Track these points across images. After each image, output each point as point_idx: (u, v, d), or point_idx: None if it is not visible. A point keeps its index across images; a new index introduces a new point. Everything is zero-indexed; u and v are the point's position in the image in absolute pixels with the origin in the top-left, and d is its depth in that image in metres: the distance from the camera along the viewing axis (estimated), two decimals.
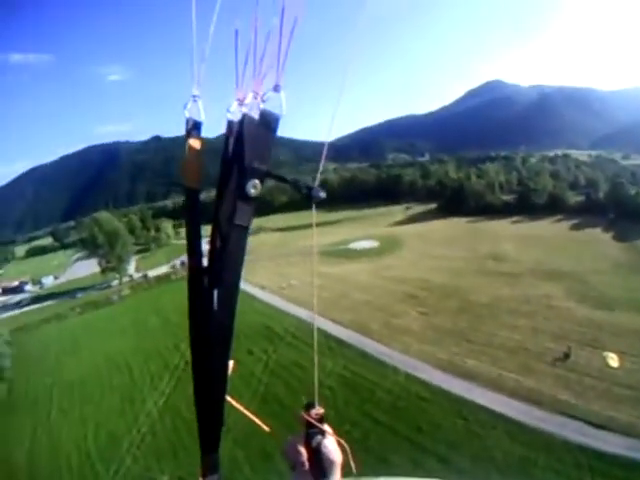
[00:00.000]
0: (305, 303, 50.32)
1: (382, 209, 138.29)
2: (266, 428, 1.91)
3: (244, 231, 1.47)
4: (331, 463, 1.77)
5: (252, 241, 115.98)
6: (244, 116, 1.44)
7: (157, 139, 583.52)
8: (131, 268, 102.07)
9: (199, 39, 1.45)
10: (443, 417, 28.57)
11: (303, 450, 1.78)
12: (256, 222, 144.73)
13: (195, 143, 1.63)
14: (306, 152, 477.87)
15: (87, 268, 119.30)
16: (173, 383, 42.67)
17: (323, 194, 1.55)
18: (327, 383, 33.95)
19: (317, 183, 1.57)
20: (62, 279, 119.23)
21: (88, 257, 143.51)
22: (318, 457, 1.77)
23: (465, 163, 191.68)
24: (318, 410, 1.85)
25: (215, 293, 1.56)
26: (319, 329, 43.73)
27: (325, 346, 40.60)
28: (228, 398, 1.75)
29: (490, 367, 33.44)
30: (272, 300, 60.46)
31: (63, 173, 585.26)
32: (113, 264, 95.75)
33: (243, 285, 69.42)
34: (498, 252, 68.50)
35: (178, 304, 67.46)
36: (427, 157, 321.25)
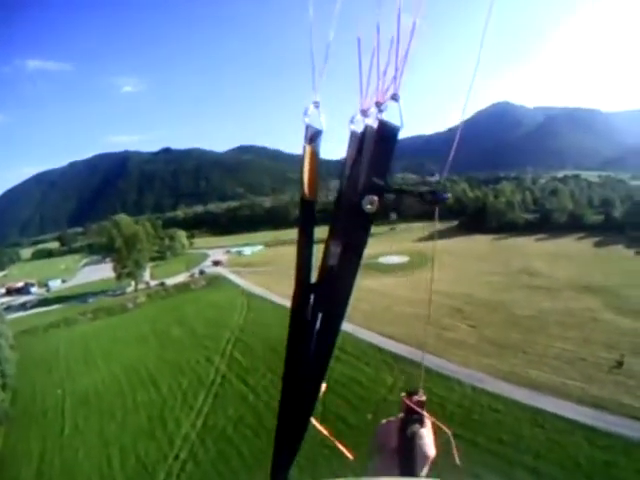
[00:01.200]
0: (347, 316, 45.68)
1: (402, 225, 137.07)
2: (350, 455, 1.79)
3: (358, 249, 1.40)
4: (424, 457, 1.63)
5: (272, 253, 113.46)
6: (366, 128, 1.35)
7: (167, 151, 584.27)
8: (146, 275, 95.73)
9: (316, 44, 1.32)
10: (519, 427, 27.74)
11: (395, 436, 1.68)
12: (273, 235, 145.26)
13: (314, 152, 1.47)
14: (320, 170, 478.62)
15: (97, 273, 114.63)
16: (210, 401, 37.26)
17: (448, 195, 1.53)
18: (391, 399, 31.88)
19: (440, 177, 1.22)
20: (70, 283, 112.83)
21: (97, 262, 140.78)
22: (410, 447, 1.64)
23: (476, 183, 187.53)
24: (420, 397, 1.75)
25: (320, 310, 1.51)
26: (368, 342, 42.98)
27: (381, 361, 39.19)
28: (313, 420, 1.66)
29: (552, 376, 33.21)
30: None
31: (71, 179, 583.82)
32: (129, 269, 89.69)
33: (277, 297, 65.34)
34: (530, 268, 68.49)
35: (203, 315, 62.58)
36: (437, 177, 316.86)
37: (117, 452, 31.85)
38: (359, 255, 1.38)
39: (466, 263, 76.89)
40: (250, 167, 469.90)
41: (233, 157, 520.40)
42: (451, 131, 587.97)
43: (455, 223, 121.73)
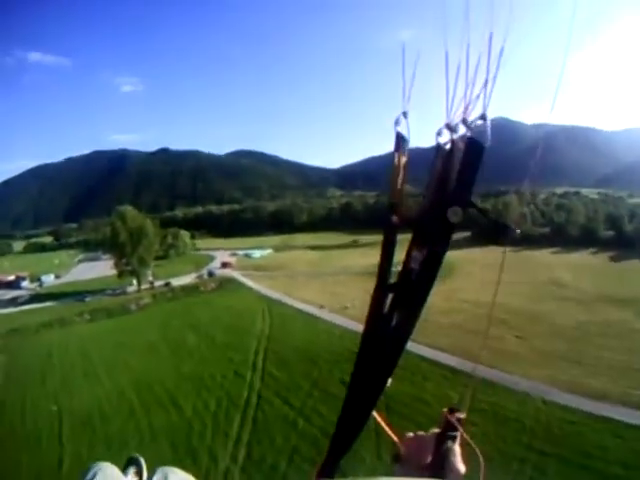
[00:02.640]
0: None
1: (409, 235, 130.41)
2: (402, 449, 1.78)
3: (440, 256, 1.47)
4: (457, 474, 1.55)
5: (283, 257, 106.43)
6: (453, 143, 1.43)
7: (164, 151, 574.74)
8: (150, 274, 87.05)
9: (409, 56, 1.47)
10: (601, 438, 26.07)
11: (429, 451, 1.65)
12: (280, 239, 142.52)
13: (403, 159, 1.60)
14: (313, 177, 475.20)
15: (93, 270, 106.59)
16: (249, 426, 30.02)
17: (518, 232, 1.71)
18: (476, 420, 27.20)
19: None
20: (64, 279, 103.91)
21: (93, 259, 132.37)
22: (443, 464, 1.59)
23: (477, 196, 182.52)
24: (460, 414, 1.70)
25: (398, 310, 1.60)
26: (417, 355, 37.63)
27: (439, 375, 35.57)
28: (374, 414, 1.72)
29: (613, 386, 32.07)
30: (338, 321, 51.26)
31: (68, 175, 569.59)
32: (133, 267, 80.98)
33: (300, 304, 60.41)
34: (556, 279, 67.56)
35: (221, 321, 54.76)
36: None
37: None
38: (439, 262, 1.44)
39: (489, 273, 72.39)
40: (248, 171, 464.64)
41: (232, 161, 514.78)
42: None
43: (467, 234, 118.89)
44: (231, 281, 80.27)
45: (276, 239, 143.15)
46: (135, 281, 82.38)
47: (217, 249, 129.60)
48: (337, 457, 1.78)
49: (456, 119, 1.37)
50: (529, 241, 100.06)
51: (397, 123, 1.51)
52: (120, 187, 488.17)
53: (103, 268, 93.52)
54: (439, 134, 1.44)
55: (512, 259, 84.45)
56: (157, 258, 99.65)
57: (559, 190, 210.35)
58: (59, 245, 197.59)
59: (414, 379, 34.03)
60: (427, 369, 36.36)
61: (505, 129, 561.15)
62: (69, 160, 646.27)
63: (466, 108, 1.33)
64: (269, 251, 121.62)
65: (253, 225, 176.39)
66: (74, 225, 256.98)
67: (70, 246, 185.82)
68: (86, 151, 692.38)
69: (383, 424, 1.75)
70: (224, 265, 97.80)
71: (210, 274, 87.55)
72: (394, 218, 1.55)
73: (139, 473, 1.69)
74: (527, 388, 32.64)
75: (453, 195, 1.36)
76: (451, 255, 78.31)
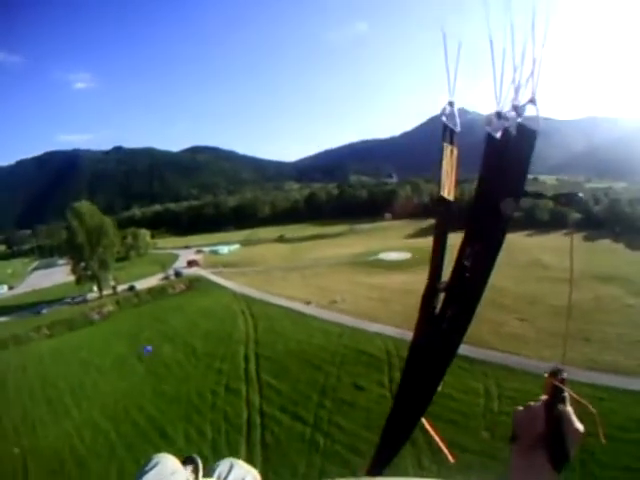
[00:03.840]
0: (376, 318, 44.65)
1: (385, 223, 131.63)
2: (451, 459, 1.70)
3: (494, 250, 1.44)
4: (576, 433, 1.45)
5: (252, 251, 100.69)
6: (504, 131, 1.36)
7: (118, 150, 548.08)
8: (111, 278, 77.94)
9: (451, 43, 1.39)
10: (632, 411, 25.52)
11: (541, 419, 1.51)
12: (244, 234, 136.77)
13: (454, 152, 1.52)
14: (270, 171, 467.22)
15: (50, 278, 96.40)
16: (259, 453, 25.03)
17: (581, 194, 1.53)
18: (499, 408, 26.98)
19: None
20: (18, 290, 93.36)
21: (49, 266, 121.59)
22: (560, 427, 1.47)
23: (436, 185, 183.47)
24: (564, 375, 1.60)
25: (451, 308, 1.53)
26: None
27: (456, 367, 29.56)
28: (423, 420, 1.67)
29: (626, 359, 31.84)
30: (330, 317, 47.25)
31: (19, 178, 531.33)
32: (92, 271, 71.99)
33: (282, 300, 55.61)
34: (539, 261, 67.71)
35: (198, 327, 48.77)
36: (395, 178, 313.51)
37: None
38: (494, 257, 1.40)
39: None
40: (204, 168, 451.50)
41: (187, 157, 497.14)
42: (406, 135, 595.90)
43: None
44: (201, 280, 73.53)
45: (240, 234, 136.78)
46: (96, 287, 73.48)
47: (180, 247, 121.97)
48: (385, 460, 1.68)
49: (505, 106, 1.31)
50: None
51: (444, 113, 1.43)
52: (74, 189, 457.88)
53: (60, 275, 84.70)
54: (488, 123, 1.35)
55: None
56: (118, 260, 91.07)
57: None
58: (12, 253, 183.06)
59: None
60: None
61: (463, 119, 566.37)
62: (20, 163, 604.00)
63: (515, 94, 1.29)
64: (237, 246, 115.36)
65: (214, 221, 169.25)
66: (27, 231, 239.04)
67: (24, 254, 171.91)
68: (37, 152, 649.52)
69: (432, 431, 1.63)
70: (190, 263, 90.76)
71: (177, 274, 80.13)
72: (444, 212, 1.45)
73: (195, 471, 1.66)
74: (547, 370, 30.00)
75: (506, 186, 1.31)
76: (425, 242, 76.73)
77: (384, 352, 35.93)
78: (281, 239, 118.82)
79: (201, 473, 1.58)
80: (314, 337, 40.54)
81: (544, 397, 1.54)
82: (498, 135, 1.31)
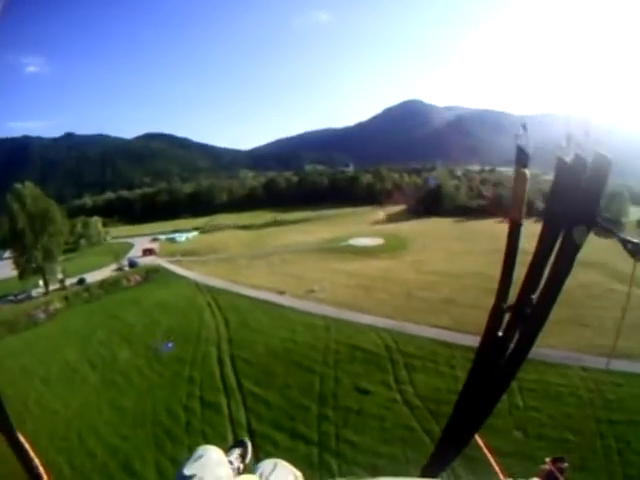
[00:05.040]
0: (360, 307, 40.61)
1: (348, 210, 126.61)
2: (502, 478, 1.73)
3: (563, 276, 1.47)
4: None
5: (211, 239, 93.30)
6: (576, 157, 1.36)
7: (69, 136, 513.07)
8: (58, 271, 68.16)
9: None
10: None
11: None
12: (201, 222, 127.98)
13: (525, 176, 1.52)
14: (224, 159, 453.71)
15: None
16: None
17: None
18: (525, 403, 24.52)
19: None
20: None
21: None
22: None
23: (404, 172, 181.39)
24: (562, 464, 1.63)
25: (517, 329, 1.55)
26: (425, 338, 32.99)
27: (462, 358, 28.40)
28: (477, 438, 1.65)
29: (630, 342, 28.36)
30: (310, 308, 42.03)
31: None
32: (37, 262, 61.88)
33: (250, 290, 49.40)
34: (520, 247, 63.16)
35: (159, 324, 41.81)
36: (351, 168, 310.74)
37: None
38: (562, 282, 1.42)
39: (445, 243, 70.62)
40: (158, 155, 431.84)
41: (140, 144, 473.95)
42: (360, 126, 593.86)
43: (402, 207, 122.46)
44: (159, 270, 65.51)
45: (197, 221, 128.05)
46: (41, 281, 63.51)
47: (134, 236, 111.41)
48: (436, 470, 1.64)
49: (577, 131, 1.30)
50: (469, 212, 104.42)
51: (518, 137, 1.45)
52: (22, 178, 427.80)
53: (4, 270, 74.61)
54: (559, 148, 1.35)
55: (461, 230, 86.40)
56: (66, 251, 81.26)
57: (475, 168, 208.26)
58: None
59: (440, 369, 28.33)
60: (446, 354, 30.22)
61: (417, 111, 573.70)
62: None
63: (587, 120, 1.29)
64: (195, 233, 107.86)
65: (170, 208, 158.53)
66: None
67: None
68: None
69: (485, 449, 1.61)
70: (146, 252, 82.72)
71: (132, 264, 71.74)
72: (516, 235, 1.47)
73: (243, 455, 1.71)
74: (560, 359, 30.07)
75: (579, 214, 1.28)
76: (396, 228, 74.63)
77: (383, 347, 31.68)
78: (244, 226, 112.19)
79: (249, 457, 1.61)
80: (297, 333, 35.12)
81: None
82: (569, 160, 1.29)
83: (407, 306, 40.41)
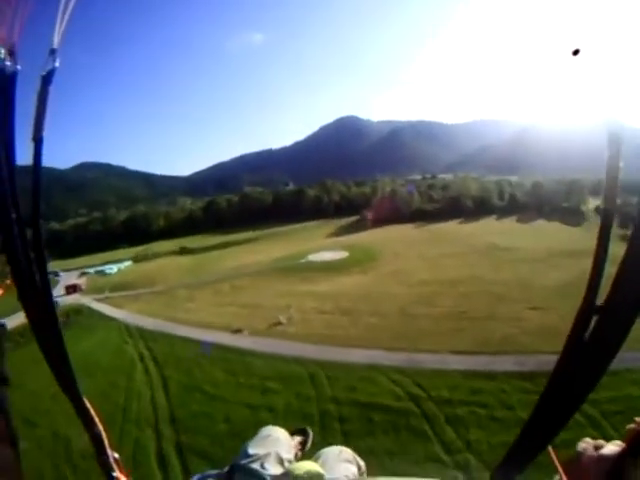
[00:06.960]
0: (347, 339, 29.93)
1: (297, 226, 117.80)
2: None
3: None
4: None
5: (146, 268, 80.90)
6: None
7: None
8: None
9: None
10: None
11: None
12: (136, 251, 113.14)
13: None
14: (162, 187, 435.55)
15: None
16: None
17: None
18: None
19: None
20: None
21: None
22: None
23: (350, 185, 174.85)
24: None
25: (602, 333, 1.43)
26: (459, 372, 23.00)
27: (520, 391, 20.49)
28: (549, 449, 1.53)
29: None
30: (280, 349, 29.74)
31: None
32: None
33: (195, 331, 36.81)
34: (492, 244, 61.65)
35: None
36: (291, 186, 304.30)
37: None
38: None
39: (420, 249, 64.40)
40: (94, 185, 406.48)
41: (76, 174, 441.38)
42: (298, 144, 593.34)
43: (354, 218, 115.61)
44: (82, 312, 50.77)
45: (134, 251, 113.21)
46: None
47: (62, 271, 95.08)
48: (508, 475, 1.57)
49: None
50: (427, 216, 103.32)
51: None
52: None
53: None
54: None
55: (426, 234, 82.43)
56: None
57: (416, 177, 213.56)
58: None
59: (495, 415, 19.19)
60: (492, 389, 21.24)
61: (352, 127, 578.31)
62: None
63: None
64: (128, 263, 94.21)
65: (103, 238, 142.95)
66: None
67: None
68: None
69: (558, 464, 1.44)
70: (69, 290, 67.82)
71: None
72: (609, 225, 1.31)
73: (303, 444, 1.72)
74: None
75: None
76: (356, 239, 64.77)
77: (406, 399, 20.72)
78: (184, 251, 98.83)
79: (308, 446, 1.61)
80: (271, 393, 22.91)
81: (619, 443, 1.26)
82: None
83: (409, 329, 30.99)
